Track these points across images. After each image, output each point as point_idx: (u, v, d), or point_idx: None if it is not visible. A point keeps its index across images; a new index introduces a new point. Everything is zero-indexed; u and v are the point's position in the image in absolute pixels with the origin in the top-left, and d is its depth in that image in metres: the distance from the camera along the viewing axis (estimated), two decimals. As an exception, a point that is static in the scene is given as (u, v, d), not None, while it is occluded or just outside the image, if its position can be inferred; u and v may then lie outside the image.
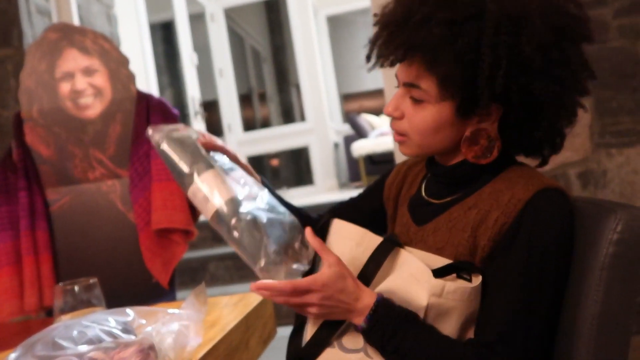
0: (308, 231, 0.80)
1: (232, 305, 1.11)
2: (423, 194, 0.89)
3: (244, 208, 0.76)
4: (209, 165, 0.78)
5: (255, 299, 1.14)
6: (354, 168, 5.15)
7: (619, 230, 0.71)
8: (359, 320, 0.75)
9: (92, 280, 0.93)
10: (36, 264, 1.44)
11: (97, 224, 1.52)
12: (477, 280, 0.75)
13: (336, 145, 5.70)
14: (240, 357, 0.98)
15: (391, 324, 0.73)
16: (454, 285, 0.73)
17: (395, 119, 0.81)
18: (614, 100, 1.82)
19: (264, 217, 0.78)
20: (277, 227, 0.79)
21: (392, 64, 0.78)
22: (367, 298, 0.75)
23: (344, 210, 1.02)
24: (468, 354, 0.73)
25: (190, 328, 0.73)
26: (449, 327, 0.75)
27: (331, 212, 1.02)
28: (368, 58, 0.80)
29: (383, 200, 0.98)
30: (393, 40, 0.75)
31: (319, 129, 5.36)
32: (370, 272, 0.80)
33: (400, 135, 0.82)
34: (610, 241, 0.71)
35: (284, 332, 0.94)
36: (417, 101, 0.78)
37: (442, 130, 0.78)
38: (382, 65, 0.79)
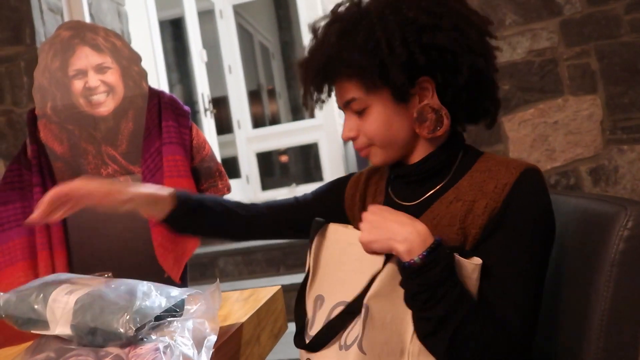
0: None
1: (242, 301, 1.12)
2: (394, 198, 0.89)
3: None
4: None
5: (265, 294, 1.15)
6: (363, 165, 5.15)
7: (630, 226, 0.71)
8: (410, 251, 0.72)
9: (107, 275, 0.94)
10: (51, 259, 1.46)
11: (110, 220, 1.53)
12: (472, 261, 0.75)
13: (345, 142, 5.70)
14: (252, 351, 0.99)
15: (446, 269, 0.72)
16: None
17: (354, 140, 0.86)
18: (626, 95, 1.81)
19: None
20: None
21: (319, 91, 0.85)
22: (424, 228, 0.74)
23: (289, 207, 1.01)
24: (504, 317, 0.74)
25: (206, 325, 0.74)
26: None
27: (270, 207, 1.01)
28: (305, 105, 0.87)
29: (344, 208, 0.97)
30: (311, 71, 0.84)
31: (328, 125, 5.35)
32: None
33: (364, 149, 0.87)
34: (620, 237, 0.71)
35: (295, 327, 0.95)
36: (360, 113, 0.84)
37: (392, 123, 0.83)
38: (319, 101, 0.87)
